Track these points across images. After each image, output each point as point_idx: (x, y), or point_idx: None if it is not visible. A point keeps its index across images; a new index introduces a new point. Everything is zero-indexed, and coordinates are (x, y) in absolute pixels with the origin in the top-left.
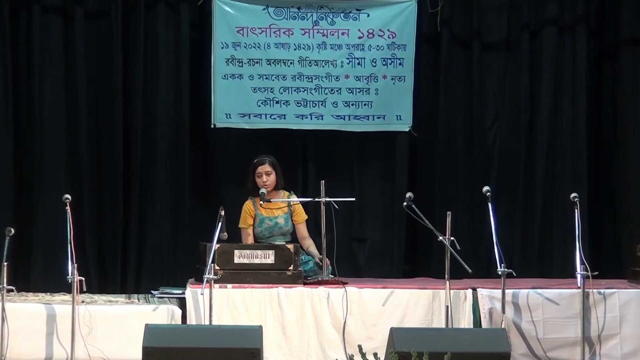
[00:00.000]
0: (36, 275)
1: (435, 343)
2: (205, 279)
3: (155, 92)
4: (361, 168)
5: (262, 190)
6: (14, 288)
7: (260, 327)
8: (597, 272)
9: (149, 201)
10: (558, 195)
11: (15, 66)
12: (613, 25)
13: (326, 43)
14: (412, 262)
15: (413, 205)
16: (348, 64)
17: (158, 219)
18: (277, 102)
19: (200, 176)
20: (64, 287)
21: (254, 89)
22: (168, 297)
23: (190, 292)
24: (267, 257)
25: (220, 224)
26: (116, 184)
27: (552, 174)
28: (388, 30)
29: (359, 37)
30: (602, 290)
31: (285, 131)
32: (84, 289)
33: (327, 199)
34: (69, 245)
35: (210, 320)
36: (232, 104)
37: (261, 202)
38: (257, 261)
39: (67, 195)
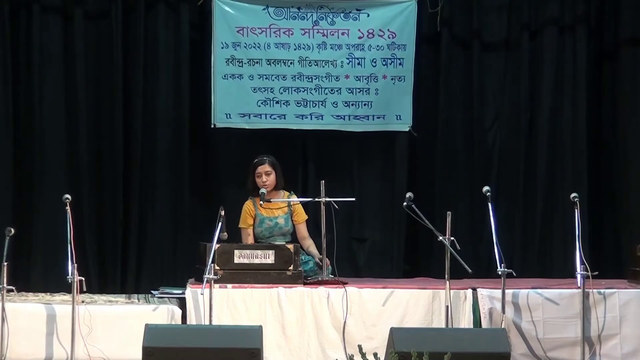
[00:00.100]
0: (36, 275)
1: (435, 343)
2: (205, 279)
3: (155, 92)
4: (361, 168)
5: (262, 190)
6: (14, 288)
7: (260, 327)
8: (597, 272)
9: (149, 201)
10: (558, 195)
11: (15, 66)
12: (613, 25)
13: (326, 43)
14: (412, 262)
15: (413, 205)
16: (348, 64)
17: (158, 219)
18: (277, 102)
19: (200, 176)
20: (64, 287)
21: (254, 89)
22: (168, 297)
23: (190, 292)
24: (267, 257)
25: (220, 224)
26: (116, 184)
27: (552, 174)
28: (388, 30)
29: (359, 37)
30: (602, 290)
31: (285, 131)
32: (84, 289)
33: (327, 199)
34: (69, 245)
35: (210, 320)
36: (232, 104)
37: (261, 202)
38: (257, 261)
39: (67, 195)
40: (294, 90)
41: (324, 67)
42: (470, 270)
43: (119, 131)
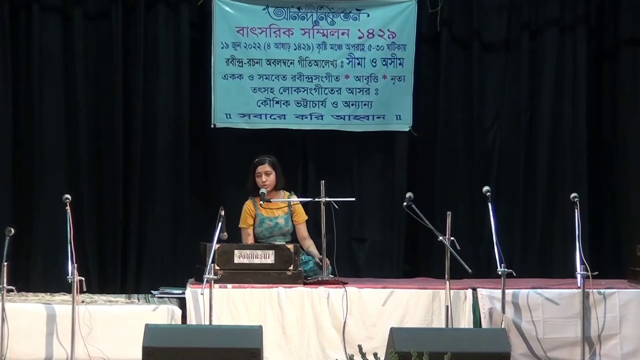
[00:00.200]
0: (36, 275)
1: (435, 343)
2: (205, 279)
3: (155, 92)
4: (361, 168)
5: (262, 190)
6: (14, 288)
7: (260, 327)
8: (597, 272)
9: (149, 201)
10: (558, 195)
11: (15, 66)
12: (613, 25)
13: (326, 43)
14: (412, 262)
15: (413, 205)
16: (348, 64)
17: (158, 219)
18: (277, 102)
19: (200, 176)
20: (64, 287)
21: (254, 89)
22: (168, 297)
23: (190, 292)
24: (267, 257)
25: (220, 224)
26: (116, 184)
27: (552, 174)
28: (388, 30)
29: (359, 37)
30: (602, 290)
31: (285, 131)
32: (84, 289)
33: (327, 199)
34: (69, 245)
35: (210, 320)
36: (232, 104)
37: (261, 202)
38: (257, 261)
39: (67, 195)
40: (294, 90)
41: (324, 67)
42: (470, 270)
43: (119, 131)
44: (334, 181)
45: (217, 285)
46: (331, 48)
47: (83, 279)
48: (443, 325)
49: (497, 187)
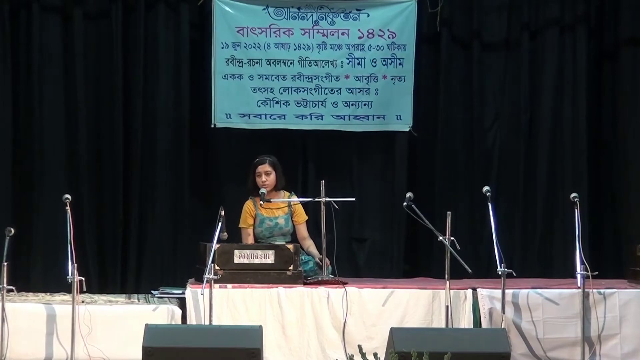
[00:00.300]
0: (36, 275)
1: (435, 343)
2: (205, 279)
3: (155, 92)
4: (361, 168)
5: (262, 190)
6: (14, 288)
7: (260, 327)
8: (597, 272)
9: (149, 201)
10: (558, 195)
11: (15, 66)
12: (613, 25)
13: (326, 43)
14: (412, 262)
15: (413, 205)
16: (348, 64)
17: (158, 219)
18: (277, 102)
19: (200, 176)
20: (64, 287)
21: (254, 89)
22: (168, 297)
23: (190, 292)
24: (267, 257)
25: (220, 224)
26: (116, 184)
27: (552, 174)
28: (388, 30)
29: (359, 37)
30: (602, 290)
31: (285, 131)
32: (84, 289)
33: (327, 199)
34: (69, 245)
35: (210, 320)
36: (232, 104)
37: (261, 202)
38: (257, 261)
39: (67, 195)
40: (294, 90)
41: (324, 67)
42: (470, 270)
43: (119, 131)
44: (334, 181)
45: (217, 285)
46: (331, 48)
47: (83, 279)
48: (443, 325)
49: (497, 187)
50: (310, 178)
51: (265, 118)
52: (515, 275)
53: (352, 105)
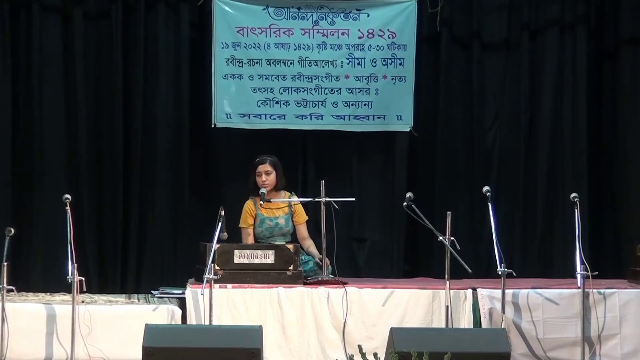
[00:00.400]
0: (36, 275)
1: (435, 343)
2: (205, 279)
3: (155, 92)
4: (361, 168)
5: (262, 190)
6: (14, 288)
7: (260, 327)
8: (597, 272)
9: (149, 201)
10: (558, 195)
11: (15, 66)
12: (613, 25)
13: (326, 43)
14: (412, 262)
15: (413, 205)
16: (348, 64)
17: (158, 219)
18: (277, 102)
19: (200, 176)
20: (64, 287)
21: (254, 89)
22: (168, 297)
23: (190, 292)
24: (267, 257)
25: (220, 224)
26: (116, 184)
27: (552, 174)
28: (388, 30)
29: (359, 37)
30: (602, 290)
31: (285, 131)
32: (84, 289)
33: (327, 199)
34: (69, 245)
35: (210, 320)
36: (232, 104)
37: (261, 202)
38: (257, 261)
39: (67, 195)
40: (294, 91)
41: (324, 67)
42: (470, 270)
43: (119, 131)
44: (333, 181)
45: (217, 285)
46: (331, 48)
47: (83, 279)
48: (443, 325)
49: (497, 187)
50: (310, 178)
51: (265, 118)
52: (515, 275)
53: (352, 105)
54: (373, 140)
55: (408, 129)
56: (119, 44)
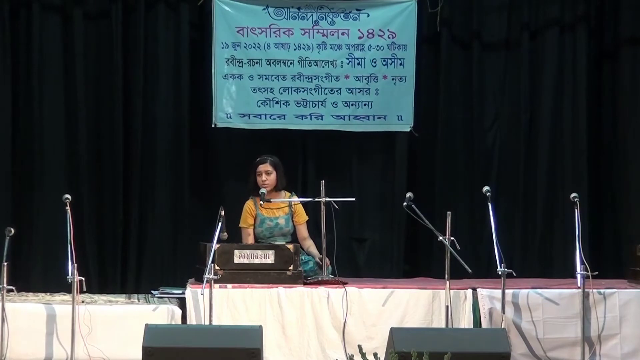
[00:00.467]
0: (36, 275)
1: (435, 343)
2: (205, 279)
3: (155, 92)
4: (361, 168)
5: (262, 190)
6: (14, 288)
7: (260, 327)
8: (597, 272)
9: (149, 201)
10: (558, 195)
11: (15, 66)
12: (613, 25)
13: (326, 43)
14: (412, 262)
15: (413, 205)
16: (348, 64)
17: (158, 219)
18: (277, 102)
19: (200, 176)
20: (64, 287)
21: (254, 89)
22: (168, 297)
23: (190, 292)
24: (267, 257)
25: (220, 224)
26: (116, 184)
27: (552, 174)
28: (388, 30)
29: (359, 37)
30: (602, 290)
31: (285, 131)
32: (84, 289)
33: (327, 199)
34: (69, 245)
35: (210, 320)
36: (232, 104)
37: (261, 202)
38: (257, 261)
39: (67, 195)
40: (294, 91)
41: (324, 67)
42: (470, 270)
43: (119, 131)
44: (333, 181)
45: (217, 285)
46: (331, 48)
47: (83, 279)
48: (443, 325)
49: (497, 187)
50: (310, 178)
51: (265, 118)
52: (515, 275)
53: (352, 105)
54: (373, 140)
55: (408, 129)
56: (119, 44)
